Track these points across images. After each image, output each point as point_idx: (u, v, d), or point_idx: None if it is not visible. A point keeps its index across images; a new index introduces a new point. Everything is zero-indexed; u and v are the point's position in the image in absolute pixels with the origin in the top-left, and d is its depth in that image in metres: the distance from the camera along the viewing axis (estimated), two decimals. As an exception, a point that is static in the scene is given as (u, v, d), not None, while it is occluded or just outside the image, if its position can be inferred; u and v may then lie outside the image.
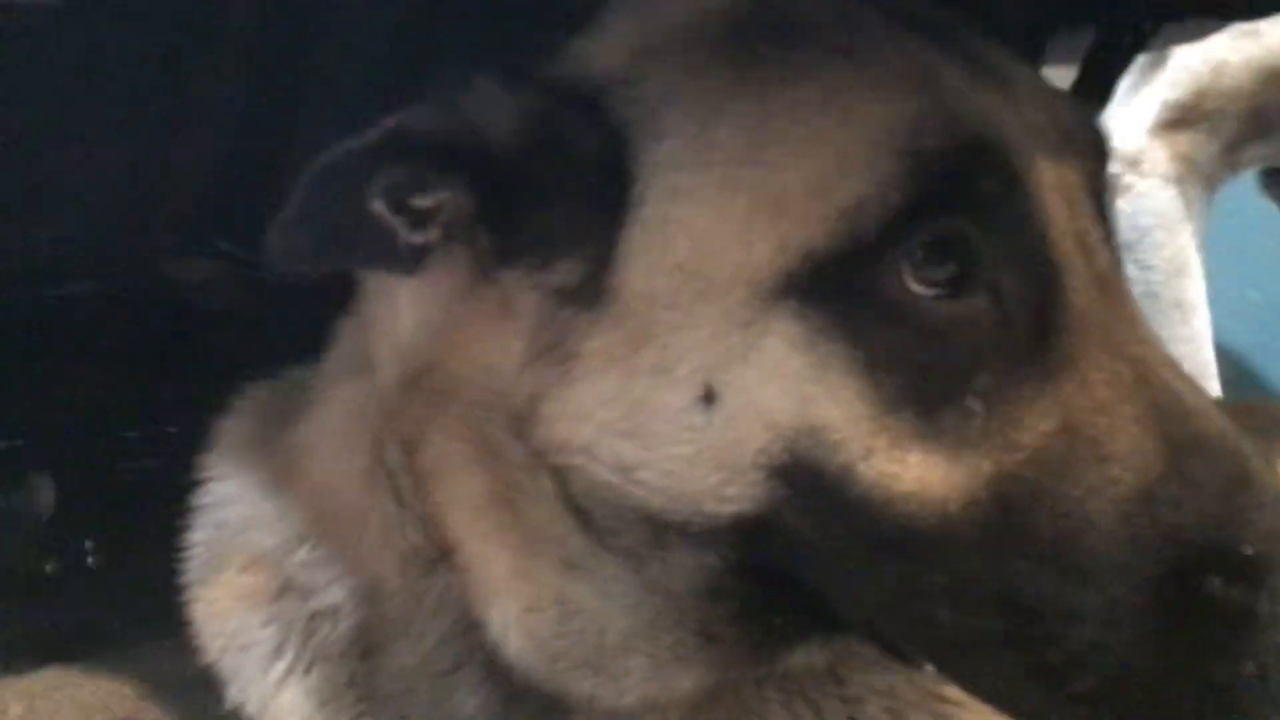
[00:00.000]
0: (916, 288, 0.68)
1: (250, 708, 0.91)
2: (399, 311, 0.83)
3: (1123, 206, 1.96)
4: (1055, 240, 0.70)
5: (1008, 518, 0.67)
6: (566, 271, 0.74)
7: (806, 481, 0.69)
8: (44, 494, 1.62)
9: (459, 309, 0.78)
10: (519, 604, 0.79)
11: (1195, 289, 2.05)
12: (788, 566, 0.73)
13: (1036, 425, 0.67)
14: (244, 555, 0.92)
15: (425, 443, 0.81)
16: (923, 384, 0.68)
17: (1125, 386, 0.68)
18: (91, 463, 1.62)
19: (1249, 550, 0.64)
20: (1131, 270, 1.77)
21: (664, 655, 0.78)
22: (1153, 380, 0.69)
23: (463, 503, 0.80)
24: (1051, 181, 0.72)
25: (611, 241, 0.73)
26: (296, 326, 0.96)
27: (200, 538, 0.95)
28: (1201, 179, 2.04)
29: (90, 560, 1.56)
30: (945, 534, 0.67)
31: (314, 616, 0.88)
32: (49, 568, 1.51)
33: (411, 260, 0.75)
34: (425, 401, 0.81)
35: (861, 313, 0.68)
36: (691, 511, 0.72)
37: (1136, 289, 1.72)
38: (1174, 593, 0.64)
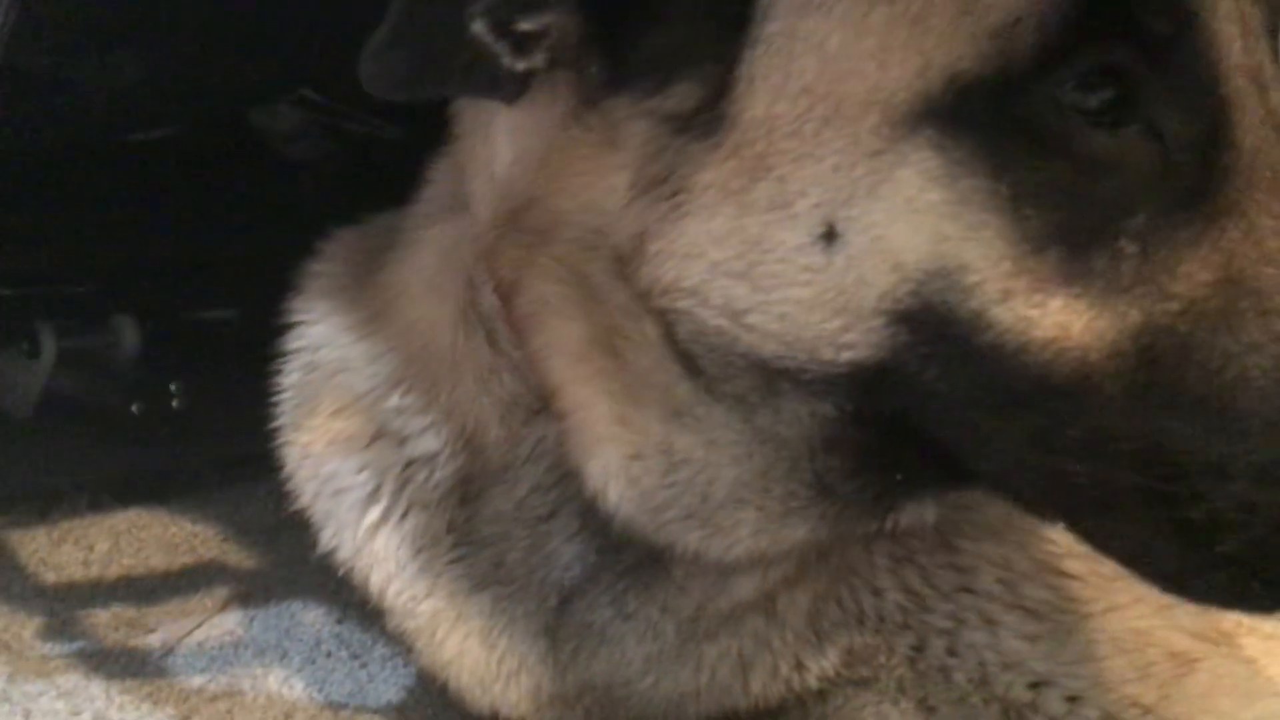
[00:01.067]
0: (1071, 118, 0.61)
1: (343, 553, 0.89)
2: (497, 145, 0.77)
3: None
4: (1227, 74, 0.63)
5: (1154, 372, 0.61)
6: (681, 96, 0.68)
7: (934, 328, 0.64)
8: (128, 336, 1.61)
9: (562, 140, 0.73)
10: (622, 452, 0.75)
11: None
12: (909, 417, 0.68)
13: (1195, 274, 0.61)
14: (336, 400, 0.89)
15: (523, 285, 0.76)
16: (1072, 224, 0.62)
17: None
18: (175, 307, 1.61)
19: None
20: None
21: (775, 508, 0.74)
22: None
23: (562, 348, 0.75)
24: (1228, 11, 0.63)
25: (732, 62, 0.67)
26: (382, 180, 0.92)
27: (292, 381, 0.92)
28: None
29: (175, 403, 1.56)
30: (1084, 385, 0.62)
31: (410, 464, 0.86)
32: (134, 409, 1.51)
33: (514, 87, 0.69)
34: (523, 241, 0.76)
35: (1009, 143, 0.62)
36: (806, 358, 0.67)
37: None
38: None
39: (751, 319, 0.67)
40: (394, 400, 0.86)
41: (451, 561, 0.85)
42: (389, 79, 0.69)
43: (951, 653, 0.78)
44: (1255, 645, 0.75)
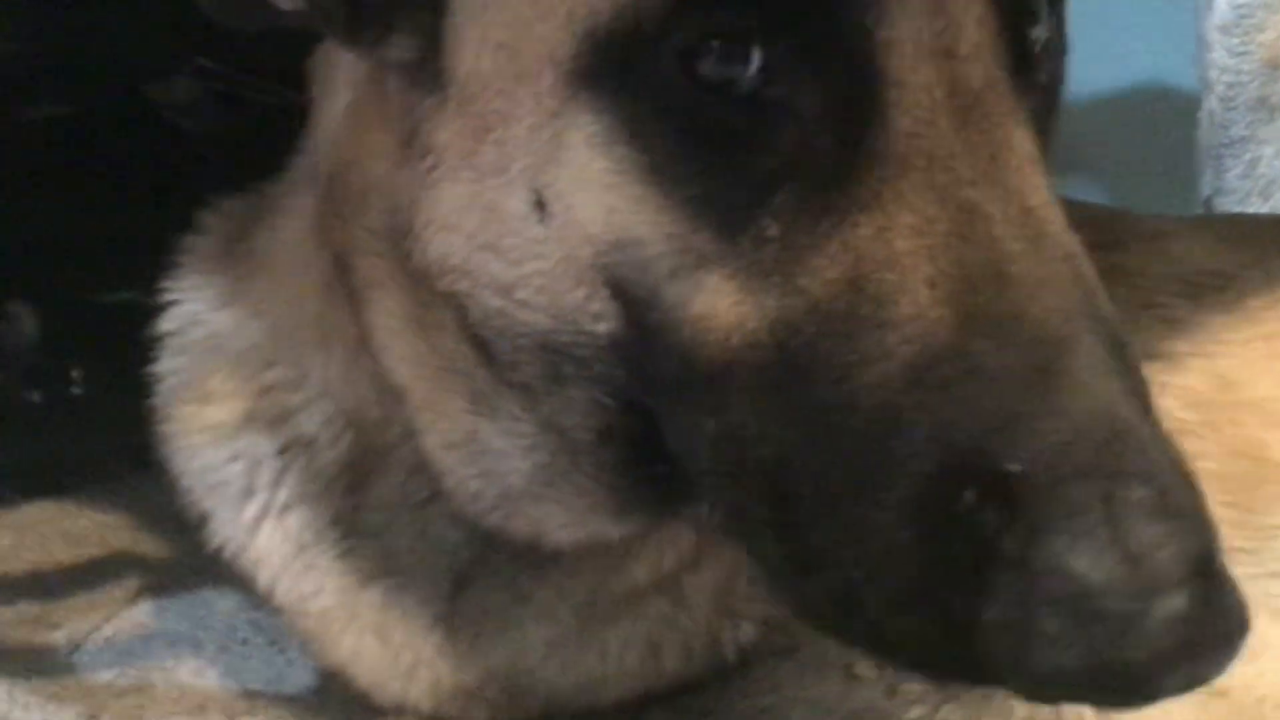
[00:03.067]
0: (706, 87, 0.56)
1: (228, 551, 0.83)
2: (332, 101, 0.73)
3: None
4: (885, 46, 0.56)
5: (785, 371, 0.55)
6: (402, 46, 0.65)
7: (633, 301, 0.60)
8: (26, 323, 1.55)
9: (367, 94, 0.70)
10: (437, 439, 0.72)
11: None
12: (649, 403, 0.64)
13: (824, 270, 0.55)
14: (205, 383, 0.83)
15: (350, 259, 0.72)
16: (720, 200, 0.57)
17: (934, 239, 0.54)
18: (73, 292, 1.55)
19: (1014, 467, 0.50)
20: (1222, 57, 1.60)
21: (572, 501, 0.71)
22: (977, 236, 0.54)
23: (386, 326, 0.72)
24: None
25: (442, 11, 0.63)
26: (289, 149, 0.85)
27: (165, 367, 0.86)
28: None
29: (76, 390, 1.50)
30: (725, 374, 0.57)
31: (285, 450, 0.80)
32: (35, 398, 1.45)
33: (340, 20, 0.65)
34: (342, 212, 0.72)
35: (653, 112, 0.57)
36: (574, 330, 0.63)
37: (1224, 79, 1.54)
38: (930, 502, 0.51)
39: (519, 295, 0.63)
40: (264, 379, 0.80)
41: (339, 556, 0.79)
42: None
43: None
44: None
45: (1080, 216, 0.92)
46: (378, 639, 0.79)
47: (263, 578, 0.82)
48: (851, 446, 0.53)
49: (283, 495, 0.81)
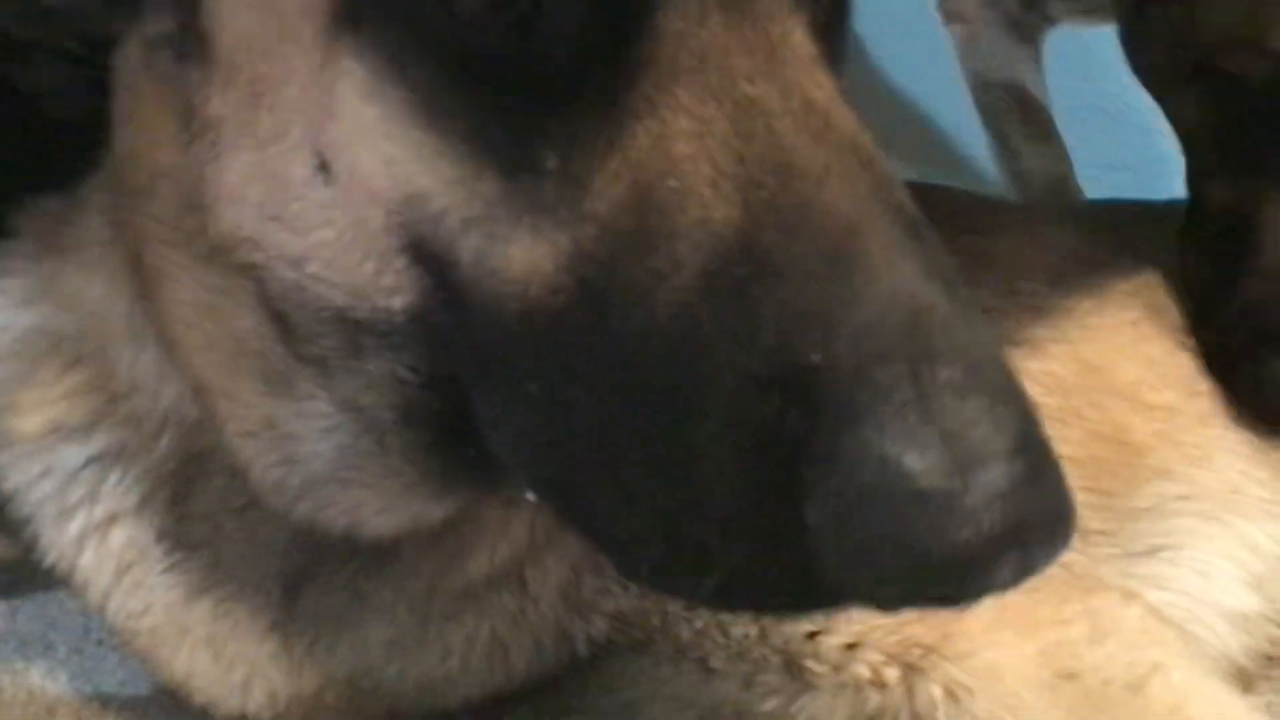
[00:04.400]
0: (466, 13, 0.52)
1: (58, 570, 0.78)
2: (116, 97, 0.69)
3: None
4: None
5: (588, 310, 0.52)
6: (158, 17, 0.61)
7: (432, 264, 0.56)
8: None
9: (133, 83, 0.66)
10: (235, 427, 0.67)
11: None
12: (455, 377, 0.60)
13: (608, 190, 0.52)
14: (13, 393, 0.77)
15: (144, 252, 0.68)
16: (495, 136, 0.53)
17: (713, 139, 0.51)
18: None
19: (815, 359, 0.47)
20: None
21: (383, 485, 0.66)
22: (757, 132, 0.51)
23: (177, 316, 0.67)
24: None
25: None
26: None
27: None
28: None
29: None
30: (528, 327, 0.53)
31: (97, 461, 0.74)
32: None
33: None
34: (134, 205, 0.68)
35: (412, 48, 0.54)
36: (370, 306, 0.59)
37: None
38: (741, 415, 0.48)
39: (311, 268, 0.59)
40: (68, 383, 0.75)
41: (165, 571, 0.74)
42: None
43: None
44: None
45: (947, 202, 0.92)
46: (210, 653, 0.75)
47: (93, 597, 0.77)
48: (661, 377, 0.50)
49: (100, 511, 0.75)
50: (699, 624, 0.71)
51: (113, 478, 0.75)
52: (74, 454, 0.75)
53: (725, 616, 0.70)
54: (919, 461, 0.45)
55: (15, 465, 0.77)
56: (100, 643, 1.02)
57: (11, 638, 1.04)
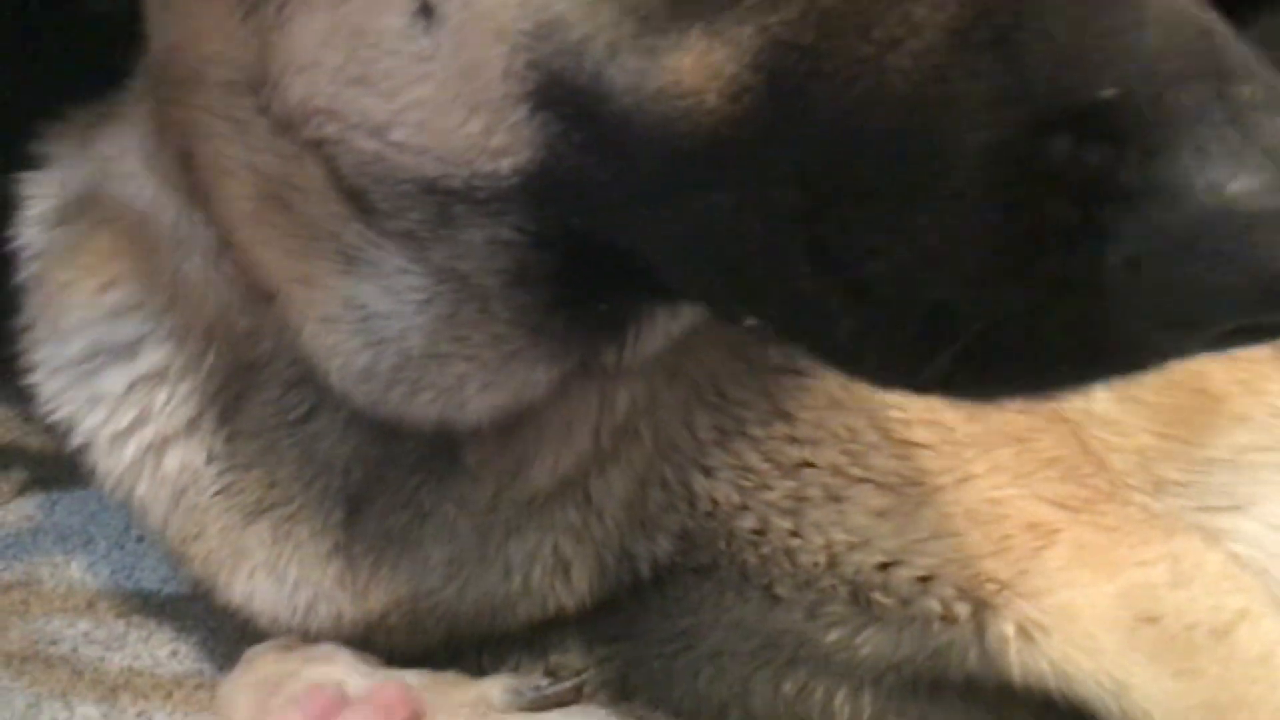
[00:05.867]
0: None
1: (117, 497, 0.74)
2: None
3: None
4: None
5: (786, 101, 0.46)
6: None
7: (573, 106, 0.50)
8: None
9: None
10: (314, 316, 0.62)
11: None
12: (591, 228, 0.54)
13: None
14: (51, 311, 0.73)
15: (196, 150, 0.63)
16: None
17: None
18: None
19: (1108, 93, 0.42)
20: None
21: (486, 357, 0.60)
22: None
23: (240, 211, 0.63)
24: None
25: None
26: None
27: (22, 283, 0.76)
28: None
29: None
30: (715, 140, 0.47)
31: (138, 384, 0.71)
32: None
33: None
34: (180, 98, 0.63)
35: None
36: (469, 174, 0.53)
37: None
38: (1009, 167, 0.43)
39: (396, 135, 0.54)
40: (106, 304, 0.71)
41: (217, 494, 0.71)
42: None
43: (795, 534, 0.67)
44: (1116, 513, 0.67)
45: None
46: (270, 577, 0.71)
47: (151, 524, 0.74)
48: (892, 149, 0.44)
49: (150, 434, 0.72)
50: (766, 549, 0.68)
51: (160, 398, 0.71)
52: (120, 376, 0.72)
53: (794, 543, 0.68)
54: (1250, 182, 0.41)
55: (64, 394, 0.74)
56: (140, 539, 1.00)
57: (51, 531, 1.03)
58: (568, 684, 0.65)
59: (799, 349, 0.53)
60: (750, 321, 0.52)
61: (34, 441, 1.19)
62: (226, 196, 0.63)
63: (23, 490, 1.09)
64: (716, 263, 0.50)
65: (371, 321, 0.61)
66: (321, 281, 0.61)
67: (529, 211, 0.54)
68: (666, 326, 0.62)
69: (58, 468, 1.12)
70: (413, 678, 0.67)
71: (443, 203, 0.55)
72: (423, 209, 0.56)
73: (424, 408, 0.63)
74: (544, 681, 0.65)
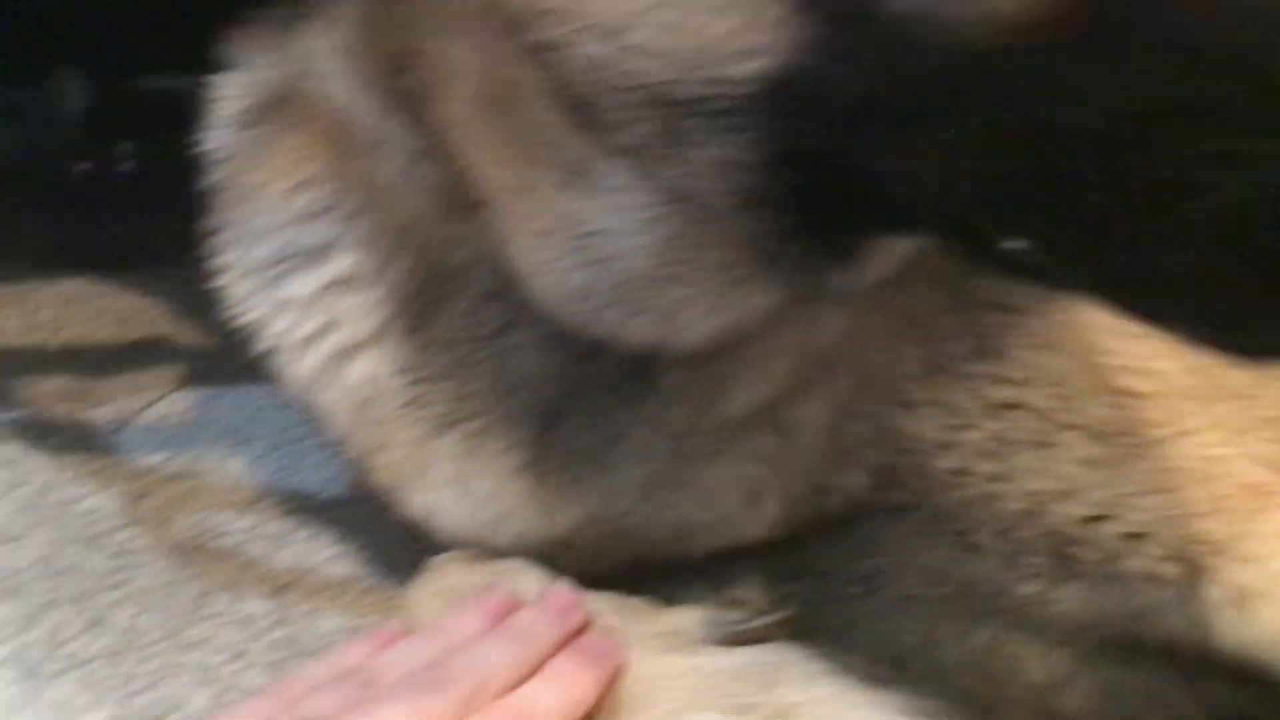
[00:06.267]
0: None
1: (301, 403, 0.74)
2: None
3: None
4: None
5: (1115, 6, 0.41)
6: None
7: (841, 5, 0.46)
8: (75, 89, 1.46)
9: None
10: (530, 228, 0.59)
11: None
12: (834, 148, 0.50)
13: None
14: (242, 209, 0.72)
15: (417, 49, 0.60)
16: None
17: None
18: (127, 64, 1.45)
19: None
20: None
21: (710, 281, 0.57)
22: None
23: (459, 115, 0.60)
24: None
25: None
26: None
27: (212, 178, 0.75)
28: None
29: (124, 168, 1.42)
30: (1018, 48, 0.43)
31: (327, 288, 0.70)
32: (82, 168, 1.36)
33: None
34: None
35: None
36: (706, 78, 0.50)
37: None
38: None
39: (632, 36, 0.50)
40: (300, 203, 0.69)
41: (406, 404, 0.69)
42: None
43: (998, 478, 0.63)
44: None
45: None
46: (457, 493, 0.70)
47: (335, 432, 0.73)
48: (1246, 65, 0.39)
49: (337, 342, 0.71)
50: (965, 493, 0.65)
51: (348, 305, 0.70)
52: (309, 280, 0.70)
53: (996, 488, 0.64)
54: None
55: (253, 297, 0.73)
56: (299, 440, 1.01)
57: (210, 427, 1.04)
58: (767, 619, 0.63)
59: (1082, 286, 0.49)
60: (1011, 245, 0.47)
61: (189, 337, 1.20)
62: (447, 99, 0.60)
63: (182, 384, 1.10)
64: (988, 186, 0.46)
65: (592, 239, 0.57)
66: (540, 194, 0.58)
67: (767, 127, 0.51)
68: (892, 254, 0.60)
69: (214, 364, 1.13)
70: (602, 602, 0.66)
71: (674, 116, 0.52)
72: (652, 123, 0.53)
73: (640, 330, 0.60)
74: (742, 615, 0.63)
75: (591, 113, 0.54)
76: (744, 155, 0.52)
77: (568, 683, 0.59)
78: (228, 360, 1.12)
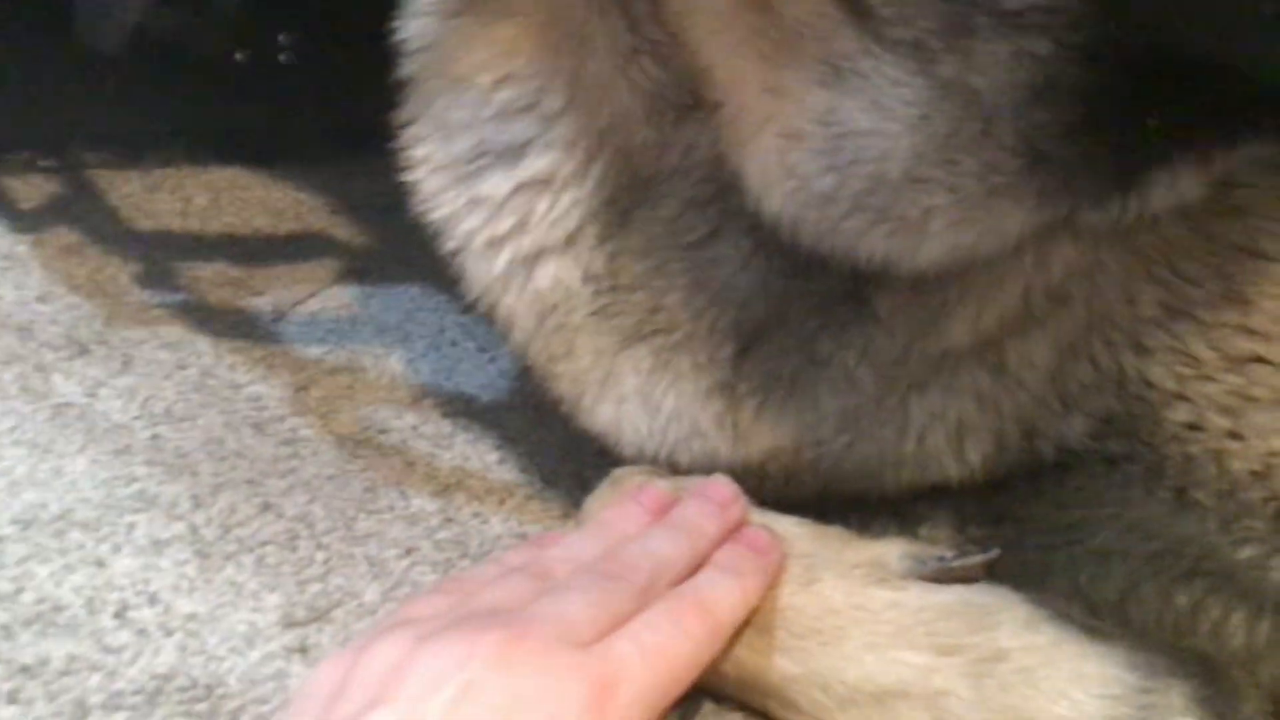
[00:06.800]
0: None
1: (484, 305, 0.72)
2: None
3: None
4: None
5: None
6: None
7: None
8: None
9: None
10: (775, 129, 0.55)
11: None
12: (1172, 31, 0.45)
13: None
14: (437, 104, 0.69)
15: None
16: None
17: None
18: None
19: None
20: None
21: (970, 187, 0.53)
22: None
23: (705, 11, 0.57)
24: None
25: None
26: None
27: (404, 71, 0.72)
28: None
29: (284, 58, 1.40)
30: None
31: (520, 189, 0.67)
32: (239, 56, 1.35)
33: None
34: None
35: None
36: None
37: None
38: None
39: None
40: (496, 101, 0.66)
41: (593, 314, 0.67)
42: None
43: (1234, 435, 0.59)
44: None
45: None
46: (643, 408, 0.67)
47: (516, 337, 0.71)
48: None
49: (527, 244, 0.68)
50: (1195, 448, 0.61)
51: (542, 207, 0.67)
52: (502, 180, 0.68)
53: (1230, 445, 0.60)
54: None
55: (444, 193, 0.71)
56: (455, 344, 1.00)
57: (369, 323, 1.03)
58: (977, 558, 0.60)
59: None
60: None
61: (344, 233, 1.20)
62: None
63: (339, 279, 1.10)
64: None
65: (847, 139, 0.54)
66: (794, 93, 0.54)
67: (1081, 21, 0.46)
68: (1173, 188, 0.55)
69: (370, 262, 1.13)
70: (797, 527, 0.64)
71: (961, 12, 0.48)
72: (932, 18, 0.49)
73: (877, 241, 0.56)
74: (950, 553, 0.61)
75: (866, 5, 0.50)
76: (1044, 49, 0.48)
77: (737, 572, 0.59)
78: (380, 259, 1.12)
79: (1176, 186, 0.54)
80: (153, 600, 0.69)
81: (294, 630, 0.67)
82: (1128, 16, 0.46)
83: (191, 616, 0.68)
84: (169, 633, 0.67)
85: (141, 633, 0.67)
